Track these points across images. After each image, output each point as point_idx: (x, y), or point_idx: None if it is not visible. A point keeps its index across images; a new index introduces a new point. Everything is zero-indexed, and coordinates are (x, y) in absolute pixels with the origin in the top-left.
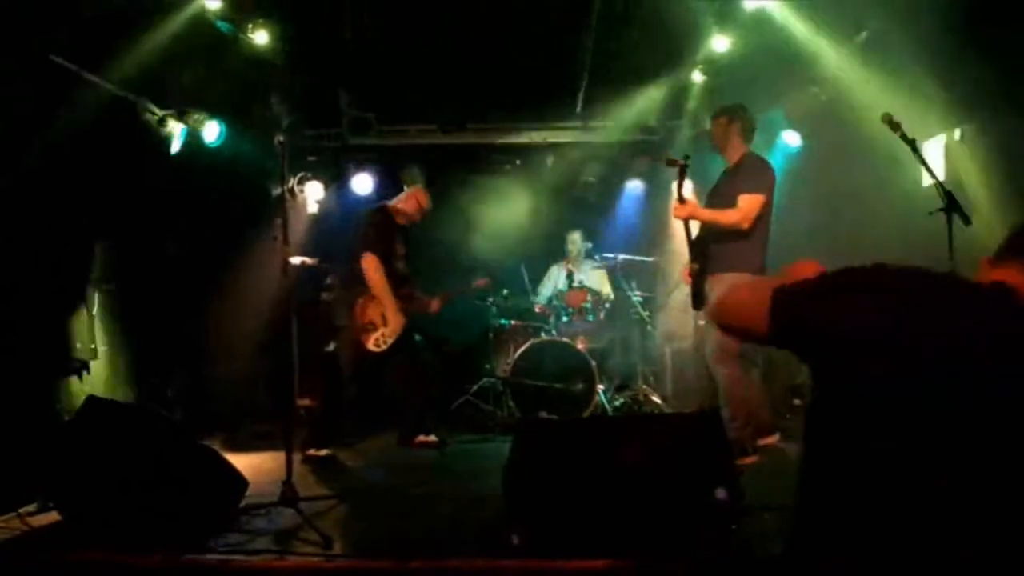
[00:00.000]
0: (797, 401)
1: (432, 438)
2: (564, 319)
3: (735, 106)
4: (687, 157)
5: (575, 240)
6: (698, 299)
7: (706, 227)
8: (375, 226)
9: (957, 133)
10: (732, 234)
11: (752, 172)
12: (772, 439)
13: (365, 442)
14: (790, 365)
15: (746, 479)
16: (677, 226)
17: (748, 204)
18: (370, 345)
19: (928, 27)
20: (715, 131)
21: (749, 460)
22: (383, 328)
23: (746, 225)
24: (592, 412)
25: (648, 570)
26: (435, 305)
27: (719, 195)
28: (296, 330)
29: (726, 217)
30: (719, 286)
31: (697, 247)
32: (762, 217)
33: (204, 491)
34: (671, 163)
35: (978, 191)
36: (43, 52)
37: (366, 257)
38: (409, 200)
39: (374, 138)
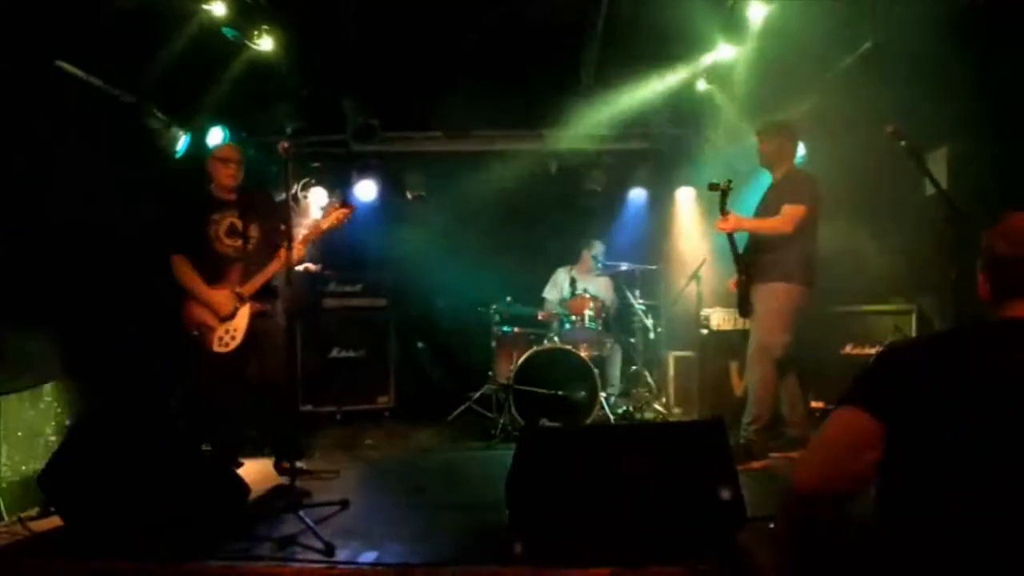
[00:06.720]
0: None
1: (302, 465)
2: (567, 326)
3: (786, 124)
4: (730, 181)
5: (596, 246)
6: (744, 307)
7: (751, 238)
8: (173, 221)
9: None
10: (775, 245)
11: (797, 184)
12: (796, 455)
13: (369, 450)
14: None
15: (752, 486)
16: (679, 235)
17: (790, 212)
18: (216, 348)
19: (929, 41)
20: (769, 148)
21: (756, 465)
22: (221, 326)
23: (786, 230)
24: (594, 420)
25: None
26: (298, 253)
27: (765, 209)
28: (300, 337)
29: (767, 224)
30: (761, 295)
31: (743, 258)
32: (804, 229)
33: (207, 498)
34: (713, 188)
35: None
36: (49, 57)
37: (171, 260)
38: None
39: (378, 145)
